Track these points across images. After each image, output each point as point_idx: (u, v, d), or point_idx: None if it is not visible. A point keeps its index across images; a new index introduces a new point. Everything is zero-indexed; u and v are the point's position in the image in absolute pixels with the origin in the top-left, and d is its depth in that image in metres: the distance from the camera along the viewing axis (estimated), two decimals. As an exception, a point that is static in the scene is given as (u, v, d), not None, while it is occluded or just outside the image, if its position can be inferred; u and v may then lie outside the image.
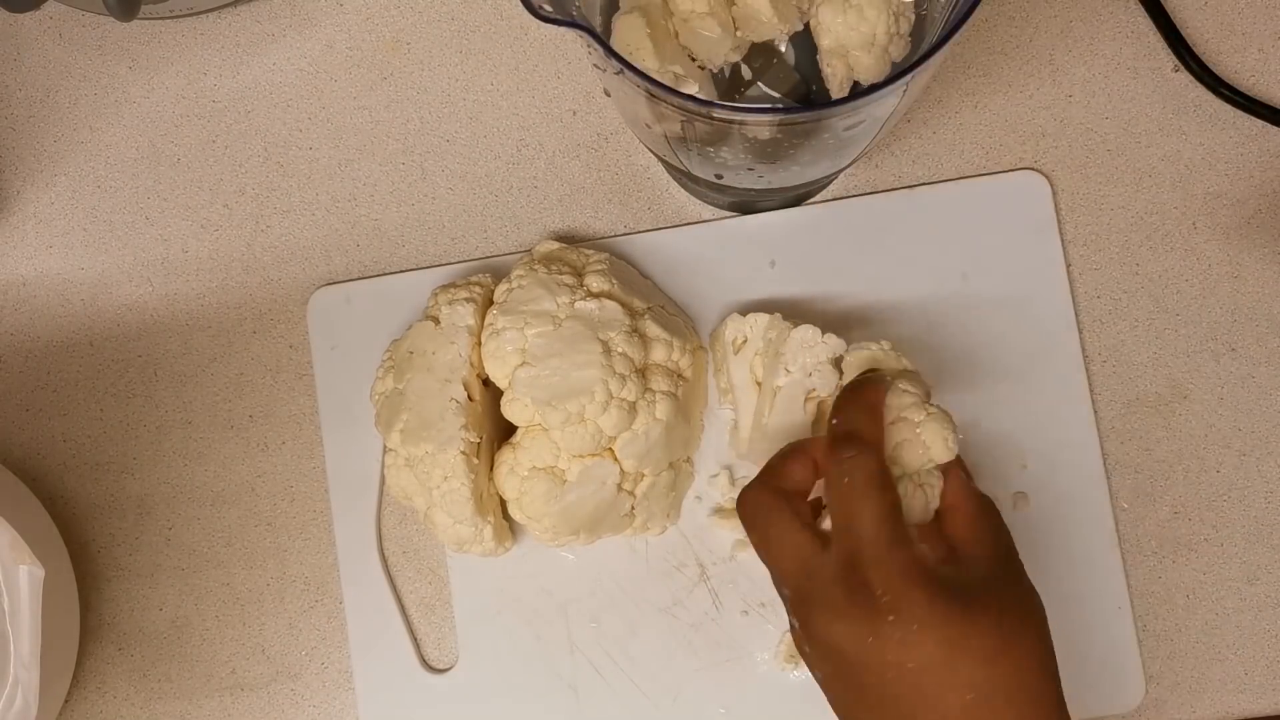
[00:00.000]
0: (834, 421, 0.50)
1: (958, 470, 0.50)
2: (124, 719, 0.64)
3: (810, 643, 0.48)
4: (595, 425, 0.55)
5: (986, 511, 0.50)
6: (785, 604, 0.50)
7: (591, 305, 0.57)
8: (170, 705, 0.63)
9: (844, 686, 0.48)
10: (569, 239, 0.64)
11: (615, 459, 0.56)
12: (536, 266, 0.59)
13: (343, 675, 0.63)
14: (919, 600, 0.45)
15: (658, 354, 0.58)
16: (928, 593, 0.45)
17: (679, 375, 0.58)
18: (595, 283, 0.58)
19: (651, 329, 0.58)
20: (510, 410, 0.56)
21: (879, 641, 0.45)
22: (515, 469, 0.56)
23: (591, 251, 0.61)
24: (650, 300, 0.60)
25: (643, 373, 0.57)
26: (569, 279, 0.58)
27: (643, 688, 0.60)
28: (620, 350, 0.56)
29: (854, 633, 0.46)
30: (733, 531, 0.61)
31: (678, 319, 0.61)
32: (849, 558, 0.46)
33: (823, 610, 0.47)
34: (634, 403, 0.56)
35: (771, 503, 0.49)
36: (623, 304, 0.58)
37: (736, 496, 0.51)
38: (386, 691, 0.61)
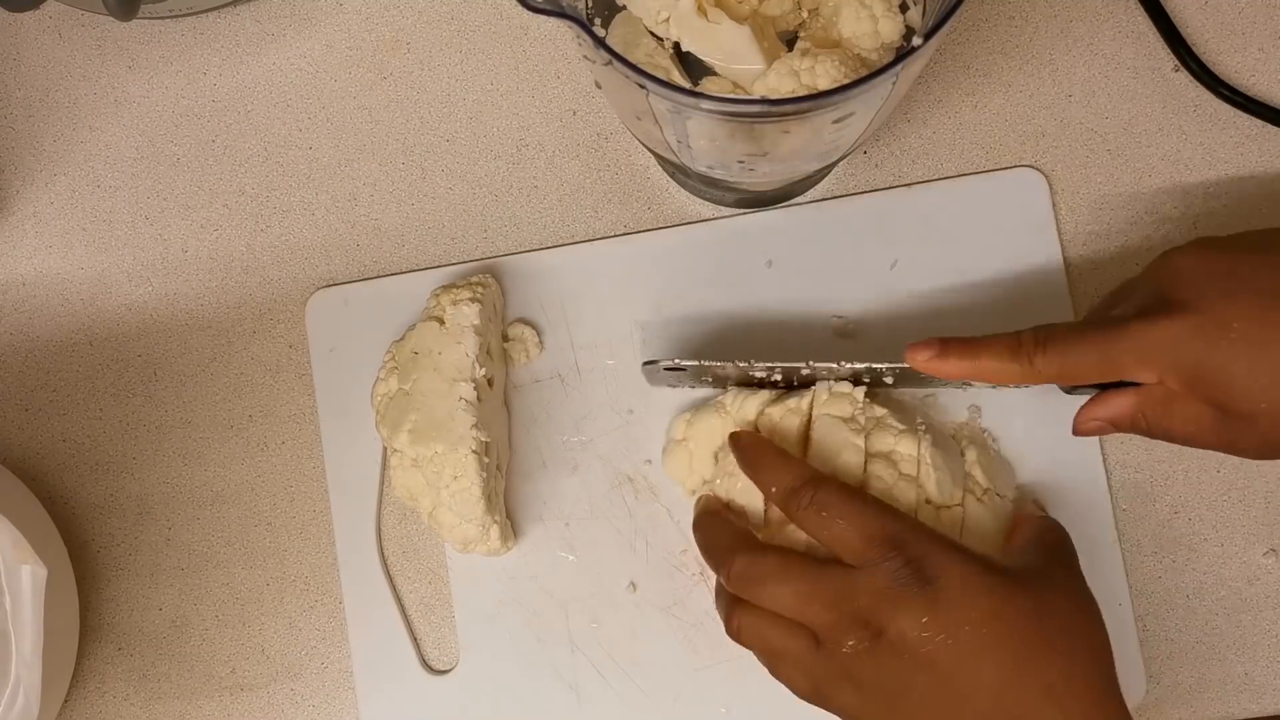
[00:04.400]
0: (772, 490, 0.53)
1: (1027, 503, 0.58)
2: (124, 719, 0.64)
3: (872, 657, 0.48)
4: None
5: (1050, 530, 0.54)
6: (802, 663, 0.50)
7: None
8: (170, 705, 0.63)
9: (897, 694, 0.48)
10: (569, 239, 0.64)
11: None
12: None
13: (343, 675, 0.63)
14: (955, 564, 0.48)
15: None
16: (960, 556, 0.48)
17: None
18: None
19: None
20: None
21: (935, 617, 0.47)
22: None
23: None
24: None
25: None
26: None
27: (643, 688, 0.60)
28: None
29: (913, 614, 0.47)
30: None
31: None
32: (885, 548, 0.48)
33: (881, 605, 0.48)
34: None
35: (779, 567, 0.51)
36: None
37: (728, 623, 0.53)
38: (386, 692, 0.61)
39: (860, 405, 0.57)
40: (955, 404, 0.61)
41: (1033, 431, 0.61)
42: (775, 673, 0.51)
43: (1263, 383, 0.47)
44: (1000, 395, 0.61)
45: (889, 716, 0.49)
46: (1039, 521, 0.55)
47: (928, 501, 0.55)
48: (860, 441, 0.55)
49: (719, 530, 0.54)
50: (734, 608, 0.51)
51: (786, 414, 0.57)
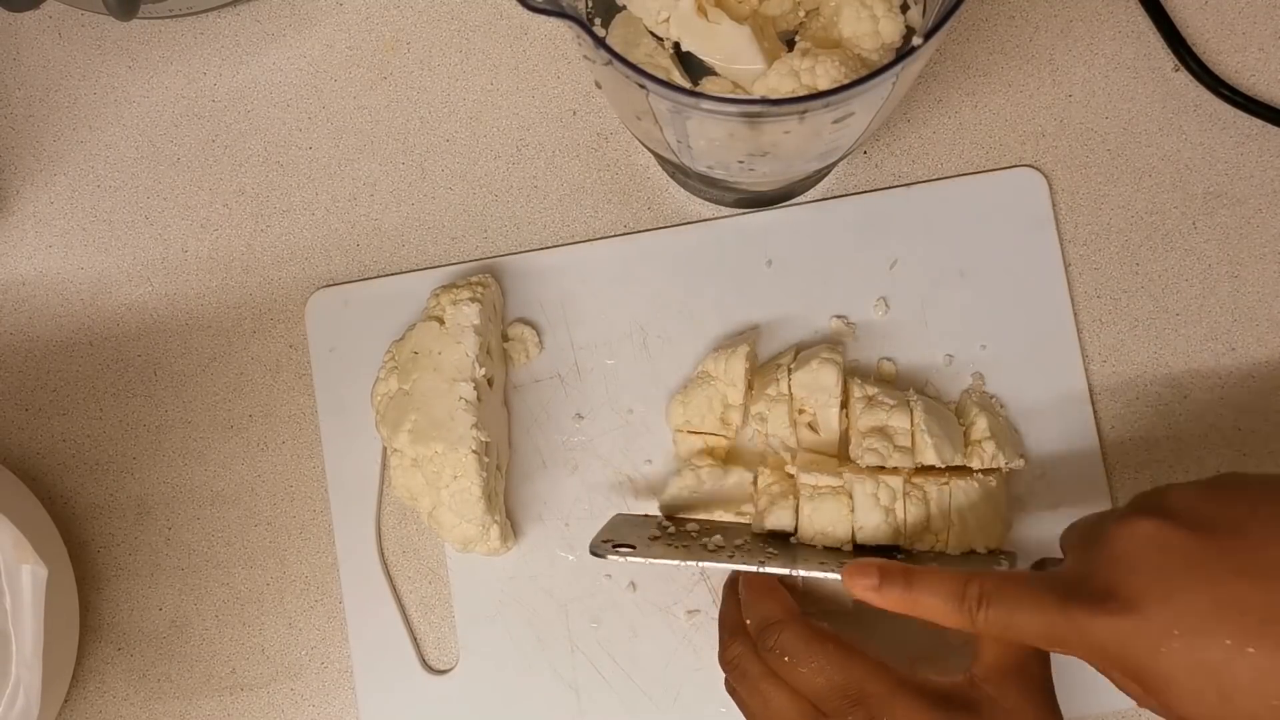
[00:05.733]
0: (747, 621, 0.54)
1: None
2: (124, 719, 0.64)
3: None
4: None
5: (1025, 667, 0.50)
6: None
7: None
8: (170, 705, 0.63)
9: None
10: (569, 239, 0.64)
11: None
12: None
13: (343, 675, 0.63)
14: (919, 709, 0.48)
15: None
16: (924, 711, 0.48)
17: None
18: None
19: None
20: None
21: None
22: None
23: None
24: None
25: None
26: None
27: (643, 687, 0.60)
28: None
29: None
30: None
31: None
32: (847, 701, 0.49)
33: None
34: None
35: (763, 671, 0.52)
36: None
37: (723, 654, 0.54)
38: (386, 692, 0.61)
39: (839, 363, 0.59)
40: (957, 374, 0.62)
41: (1031, 431, 0.61)
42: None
43: (1207, 701, 0.43)
44: (1003, 364, 0.61)
45: None
46: (1012, 653, 0.51)
47: (915, 481, 0.56)
48: (837, 408, 0.58)
49: (732, 609, 0.55)
50: (729, 653, 0.54)
51: (773, 402, 0.59)
